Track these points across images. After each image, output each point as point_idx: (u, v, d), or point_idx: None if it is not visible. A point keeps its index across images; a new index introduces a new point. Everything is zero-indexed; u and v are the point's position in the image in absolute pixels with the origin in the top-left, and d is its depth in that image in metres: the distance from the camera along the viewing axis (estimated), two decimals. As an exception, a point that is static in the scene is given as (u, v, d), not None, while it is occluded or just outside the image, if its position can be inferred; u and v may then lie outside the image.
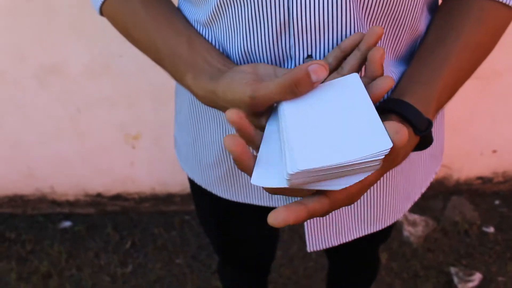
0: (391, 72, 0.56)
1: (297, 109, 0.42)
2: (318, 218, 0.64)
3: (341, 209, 0.65)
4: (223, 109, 0.47)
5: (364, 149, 0.37)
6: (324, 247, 0.67)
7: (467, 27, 0.52)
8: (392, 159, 0.43)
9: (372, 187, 0.64)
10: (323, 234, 0.66)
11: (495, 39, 0.54)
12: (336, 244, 0.68)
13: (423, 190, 0.73)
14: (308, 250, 0.67)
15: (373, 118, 0.39)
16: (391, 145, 0.36)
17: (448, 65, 0.50)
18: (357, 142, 0.38)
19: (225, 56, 0.53)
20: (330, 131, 0.39)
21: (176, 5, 0.61)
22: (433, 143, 0.63)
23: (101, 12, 0.58)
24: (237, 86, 0.43)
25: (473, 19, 0.52)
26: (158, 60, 0.54)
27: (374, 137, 0.37)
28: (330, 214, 0.65)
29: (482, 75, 1.43)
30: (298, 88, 0.41)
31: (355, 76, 0.44)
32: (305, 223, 0.65)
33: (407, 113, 0.46)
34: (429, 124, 0.47)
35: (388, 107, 0.47)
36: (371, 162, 0.37)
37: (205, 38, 0.54)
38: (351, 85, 0.43)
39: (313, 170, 0.36)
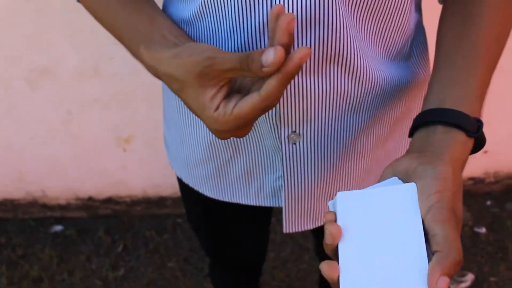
0: (382, 71, 0.56)
1: (349, 220, 0.42)
2: (296, 204, 0.65)
3: (319, 197, 0.66)
4: (166, 78, 0.47)
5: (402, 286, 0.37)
6: (300, 230, 0.68)
7: (486, 18, 0.51)
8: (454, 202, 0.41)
9: (349, 175, 0.65)
10: (300, 219, 0.68)
11: (508, 26, 0.54)
12: (311, 228, 0.69)
13: None
14: (284, 231, 0.68)
15: (421, 254, 0.38)
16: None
17: (478, 62, 0.49)
18: (397, 276, 0.38)
19: (187, 35, 0.52)
20: (376, 256, 0.40)
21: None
22: None
23: None
24: (195, 50, 0.44)
25: (490, 11, 0.52)
26: (119, 37, 0.53)
27: (415, 279, 0.38)
28: (308, 202, 0.66)
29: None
30: (251, 64, 0.39)
31: (413, 187, 0.41)
32: (283, 208, 0.66)
33: (453, 119, 0.44)
34: (479, 123, 0.46)
35: (431, 119, 0.46)
36: None
37: (170, 18, 0.54)
38: (406, 197, 0.42)
39: None
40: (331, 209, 0.44)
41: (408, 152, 0.46)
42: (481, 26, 0.51)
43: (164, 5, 0.61)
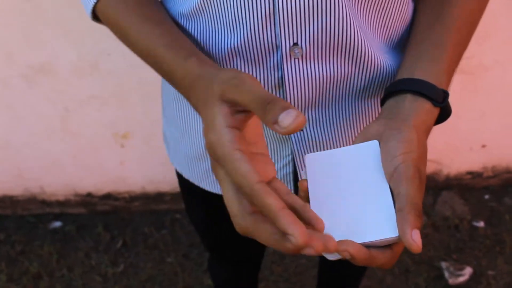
0: (385, 58, 0.57)
1: (318, 180, 0.45)
2: None
3: None
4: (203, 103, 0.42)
5: (372, 234, 0.40)
6: None
7: None
8: (420, 150, 0.44)
9: None
10: None
11: (483, 6, 0.56)
12: None
13: None
14: None
15: (387, 202, 0.42)
16: (397, 235, 0.39)
17: (450, 38, 0.52)
18: (367, 225, 0.41)
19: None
20: (344, 209, 0.42)
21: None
22: None
23: (93, 15, 0.56)
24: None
25: None
26: (149, 54, 0.51)
27: (383, 224, 0.41)
28: None
29: (470, 70, 1.43)
30: (267, 111, 0.35)
31: (375, 144, 0.46)
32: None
33: (421, 89, 0.47)
34: (446, 94, 0.49)
35: (402, 88, 0.48)
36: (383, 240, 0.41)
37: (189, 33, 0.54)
38: (369, 154, 0.45)
39: None
40: (302, 174, 0.46)
41: (378, 118, 0.48)
42: (455, 4, 0.53)
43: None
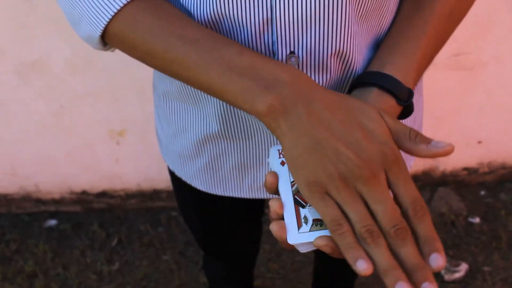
0: (369, 60, 0.56)
1: (284, 172, 0.45)
2: None
3: None
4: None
5: None
6: None
7: None
8: None
9: None
10: None
11: (466, 5, 0.55)
12: None
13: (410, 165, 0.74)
14: None
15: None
16: None
17: (425, 34, 0.51)
18: None
19: None
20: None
21: None
22: (413, 116, 0.65)
23: (103, 39, 0.50)
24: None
25: None
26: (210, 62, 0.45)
27: None
28: None
29: (467, 66, 1.43)
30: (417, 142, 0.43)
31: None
32: None
33: (388, 85, 0.47)
34: (410, 93, 0.49)
35: (369, 81, 0.48)
36: None
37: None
38: None
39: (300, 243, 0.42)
40: (270, 165, 0.47)
41: None
42: (435, 3, 0.53)
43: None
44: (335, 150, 0.39)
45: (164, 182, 1.64)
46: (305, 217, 0.42)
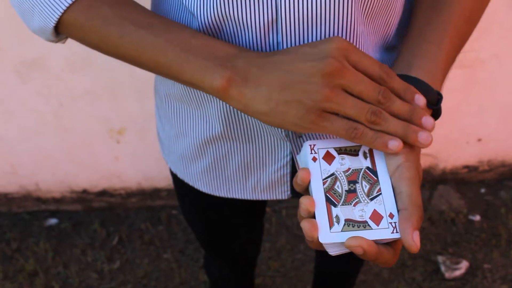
0: (380, 60, 0.56)
1: (317, 169, 0.44)
2: None
3: None
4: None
5: (378, 232, 0.41)
6: None
7: None
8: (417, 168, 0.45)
9: None
10: None
11: (483, 5, 0.56)
12: None
13: None
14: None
15: (390, 199, 0.42)
16: (399, 236, 0.40)
17: (447, 35, 0.51)
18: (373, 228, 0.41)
19: None
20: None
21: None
22: None
23: (56, 29, 0.50)
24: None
25: None
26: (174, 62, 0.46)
27: (388, 222, 0.41)
28: None
29: (466, 64, 1.43)
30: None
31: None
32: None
33: (418, 88, 0.47)
34: (440, 97, 0.48)
35: None
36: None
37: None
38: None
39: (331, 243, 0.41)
40: (299, 161, 0.47)
41: None
42: (454, 3, 0.53)
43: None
44: (301, 76, 0.42)
45: (164, 181, 1.64)
46: (337, 216, 0.41)
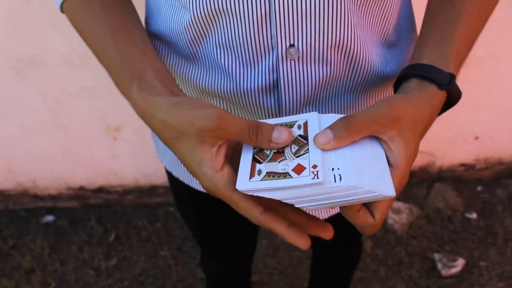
0: (378, 55, 0.56)
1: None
2: None
3: None
4: (159, 124, 0.44)
5: (374, 185, 0.40)
6: None
7: None
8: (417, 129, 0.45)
9: None
10: None
11: None
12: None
13: None
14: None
15: (383, 164, 0.43)
16: (394, 194, 0.41)
17: (460, 22, 0.52)
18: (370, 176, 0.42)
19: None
20: (349, 157, 0.42)
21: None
22: None
23: (62, 10, 0.56)
24: (198, 103, 0.43)
25: None
26: (107, 65, 0.52)
27: (381, 181, 0.41)
28: None
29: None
30: (259, 136, 0.42)
31: None
32: None
33: (426, 73, 0.48)
34: (451, 77, 0.49)
35: (408, 73, 0.49)
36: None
37: (160, 58, 0.52)
38: None
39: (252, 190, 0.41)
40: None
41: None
42: None
43: (148, 19, 0.60)
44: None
45: (161, 178, 1.63)
46: (259, 170, 0.42)
